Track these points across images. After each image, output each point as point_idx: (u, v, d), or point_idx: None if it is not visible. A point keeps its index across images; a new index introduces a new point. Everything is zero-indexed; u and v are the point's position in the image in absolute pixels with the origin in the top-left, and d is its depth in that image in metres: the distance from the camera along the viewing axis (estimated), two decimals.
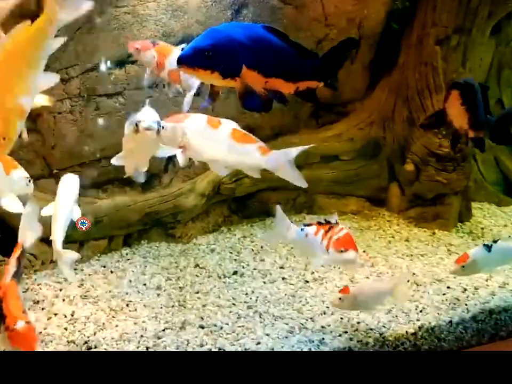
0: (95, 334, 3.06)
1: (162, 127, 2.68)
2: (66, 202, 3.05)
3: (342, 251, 2.84)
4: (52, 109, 3.62)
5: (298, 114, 4.73)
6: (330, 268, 3.98)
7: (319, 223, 3.01)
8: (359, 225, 4.76)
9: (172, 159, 4.22)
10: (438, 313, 3.40)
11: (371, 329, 3.24)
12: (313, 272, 3.93)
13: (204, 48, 2.29)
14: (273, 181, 4.69)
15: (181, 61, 2.29)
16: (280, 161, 2.86)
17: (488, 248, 3.31)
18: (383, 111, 4.90)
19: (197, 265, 3.94)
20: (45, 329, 3.05)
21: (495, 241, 3.37)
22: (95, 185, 3.99)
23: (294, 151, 2.82)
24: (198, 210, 4.32)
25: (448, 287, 3.71)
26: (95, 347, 2.97)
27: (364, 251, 4.33)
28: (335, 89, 2.72)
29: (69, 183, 3.15)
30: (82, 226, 3.07)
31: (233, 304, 3.49)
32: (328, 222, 3.00)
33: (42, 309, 3.26)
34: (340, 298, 3.08)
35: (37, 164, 3.74)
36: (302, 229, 3.05)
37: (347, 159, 4.85)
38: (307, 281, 3.82)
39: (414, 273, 3.90)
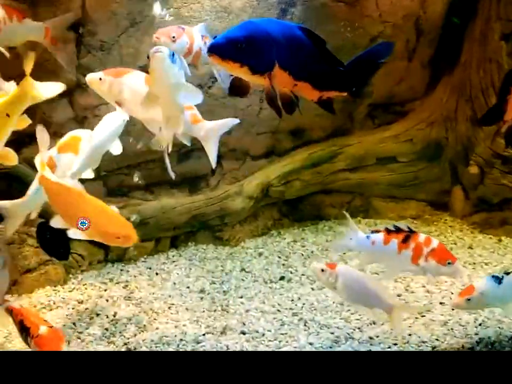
0: (135, 335, 3.05)
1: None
2: (101, 133, 2.97)
3: (449, 263, 2.79)
4: (97, 112, 3.68)
5: (352, 115, 4.61)
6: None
7: (388, 230, 2.88)
8: (419, 231, 4.55)
9: (219, 161, 4.26)
10: (500, 327, 3.20)
11: (423, 341, 3.05)
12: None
13: (236, 39, 2.19)
14: (326, 184, 4.66)
15: (212, 50, 2.20)
16: (209, 133, 2.90)
17: (498, 280, 2.92)
18: (444, 111, 4.67)
19: (243, 269, 3.88)
20: (86, 329, 3.08)
21: (507, 273, 2.96)
22: (142, 187, 4.02)
23: (224, 126, 2.86)
24: (245, 213, 4.27)
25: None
26: (134, 349, 2.96)
27: None
28: (358, 97, 2.61)
29: (111, 120, 3.01)
30: (82, 226, 2.83)
31: (278, 310, 3.39)
32: (398, 230, 2.87)
33: (86, 309, 3.29)
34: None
35: None
36: (367, 236, 2.91)
37: (405, 161, 4.68)
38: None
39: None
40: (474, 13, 4.53)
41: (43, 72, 2.99)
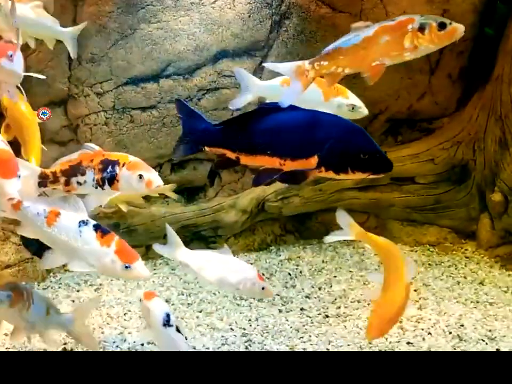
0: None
1: None
2: None
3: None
4: (88, 121, 4.06)
5: (368, 130, 4.51)
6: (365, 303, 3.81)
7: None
8: (429, 259, 4.37)
9: (217, 172, 4.45)
10: None
11: None
12: (339, 307, 3.79)
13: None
14: (330, 202, 4.59)
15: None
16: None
17: None
18: (473, 130, 4.42)
19: None
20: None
21: None
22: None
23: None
24: (239, 227, 4.40)
25: (497, 349, 3.28)
26: (71, 349, 3.25)
27: (416, 290, 4.02)
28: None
29: None
30: (43, 117, 3.30)
31: (231, 329, 3.52)
32: None
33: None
34: None
35: None
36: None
37: (425, 183, 4.52)
38: (327, 316, 3.69)
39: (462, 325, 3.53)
40: (509, 24, 4.25)
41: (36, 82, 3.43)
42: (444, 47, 4.30)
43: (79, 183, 2.76)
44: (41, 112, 3.44)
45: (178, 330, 2.84)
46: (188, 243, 4.35)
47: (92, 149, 2.79)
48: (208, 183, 4.40)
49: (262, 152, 2.55)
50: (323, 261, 4.38)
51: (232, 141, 2.61)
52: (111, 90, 4.03)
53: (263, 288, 2.83)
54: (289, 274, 4.22)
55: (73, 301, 3.76)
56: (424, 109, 4.47)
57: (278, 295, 3.92)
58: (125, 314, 3.65)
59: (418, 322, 3.60)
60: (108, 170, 2.71)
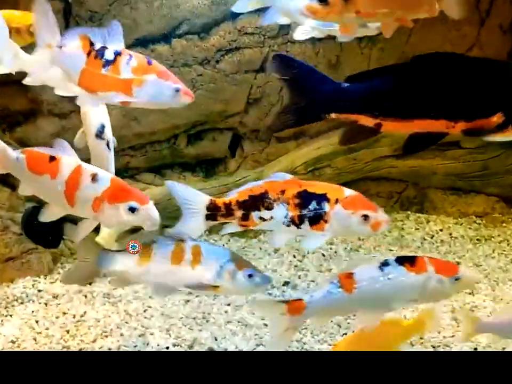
0: (94, 341, 3.02)
1: None
2: None
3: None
4: None
5: None
6: None
7: None
8: (477, 234, 4.03)
9: (240, 143, 4.06)
10: None
11: None
12: None
13: None
14: (365, 172, 4.24)
15: None
16: None
17: None
18: None
19: None
20: (46, 329, 3.11)
21: None
22: (150, 169, 3.97)
23: None
24: None
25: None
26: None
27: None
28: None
29: None
30: (133, 250, 2.99)
31: (264, 325, 3.16)
32: None
33: (58, 305, 3.32)
34: None
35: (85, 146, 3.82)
36: None
37: (471, 148, 4.15)
38: None
39: None
40: None
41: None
42: None
43: (262, 218, 2.27)
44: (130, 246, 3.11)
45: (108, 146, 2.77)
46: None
47: (281, 177, 2.29)
48: (229, 155, 4.02)
49: (421, 116, 2.07)
50: (359, 238, 4.04)
51: (372, 103, 2.10)
52: None
53: None
54: (323, 255, 3.87)
55: (85, 296, 3.43)
56: None
57: (314, 281, 3.63)
58: (144, 311, 3.31)
59: (473, 311, 3.31)
60: (311, 207, 2.22)
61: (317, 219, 2.20)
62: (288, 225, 2.23)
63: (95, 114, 2.87)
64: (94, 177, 2.25)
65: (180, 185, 2.35)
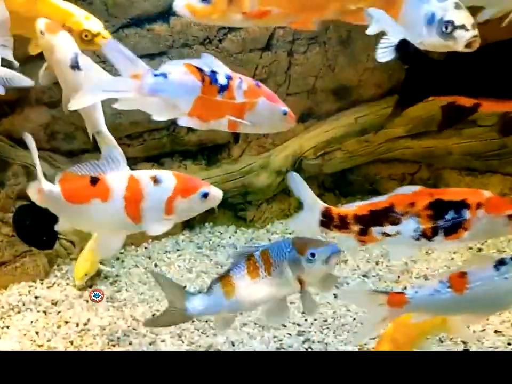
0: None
1: None
2: None
3: None
4: None
5: None
6: None
7: None
8: None
9: None
10: None
11: None
12: (405, 287, 3.29)
13: None
14: (378, 154, 4.01)
15: None
16: None
17: None
18: None
19: None
20: (48, 341, 2.88)
21: None
22: (148, 158, 3.70)
23: None
24: (272, 191, 3.82)
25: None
26: None
27: None
28: None
29: None
30: (95, 298, 2.91)
31: (283, 325, 2.98)
32: None
33: (58, 312, 3.09)
34: None
35: (78, 137, 3.54)
36: None
37: (488, 125, 3.95)
38: None
39: None
40: None
41: None
42: None
43: (386, 234, 2.09)
44: (93, 294, 2.99)
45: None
46: (211, 212, 3.89)
47: (408, 190, 2.10)
48: (233, 140, 3.77)
49: None
50: None
51: (471, 81, 1.99)
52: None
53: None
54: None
55: (87, 301, 3.19)
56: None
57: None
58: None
59: None
60: (448, 216, 2.02)
61: (455, 228, 2.01)
62: (417, 239, 2.05)
63: (63, 43, 2.55)
64: (155, 180, 2.04)
65: (302, 183, 2.23)
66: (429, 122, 3.82)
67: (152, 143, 3.67)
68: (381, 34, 2.25)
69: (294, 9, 1.87)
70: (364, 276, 3.37)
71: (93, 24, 2.59)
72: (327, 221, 2.12)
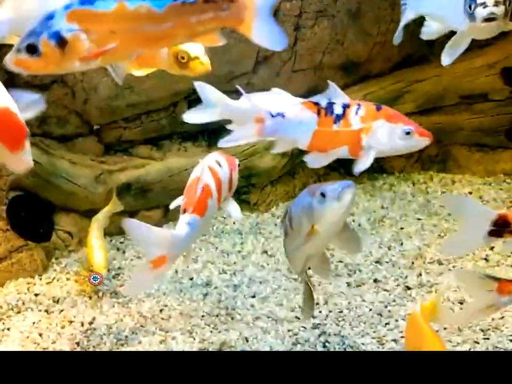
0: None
1: None
2: None
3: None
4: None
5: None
6: None
7: None
8: (509, 195, 3.76)
9: None
10: None
11: None
12: (420, 274, 3.21)
13: None
14: None
15: None
16: None
17: None
18: None
19: (265, 252, 3.37)
20: (53, 343, 2.74)
21: None
22: (146, 141, 3.54)
23: None
24: (277, 173, 3.68)
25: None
26: None
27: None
28: None
29: None
30: (94, 281, 2.92)
31: (296, 317, 2.89)
32: None
33: (61, 311, 2.94)
34: None
35: (71, 121, 3.36)
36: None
37: (501, 99, 3.82)
38: (408, 288, 3.08)
39: None
40: None
41: None
42: None
43: None
44: (92, 277, 2.99)
45: None
46: None
47: None
48: None
49: None
50: (382, 207, 3.73)
51: None
52: None
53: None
54: None
55: (90, 298, 3.04)
56: None
57: (342, 262, 3.31)
58: (161, 311, 2.96)
59: None
60: None
61: None
62: None
63: None
64: None
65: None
66: (439, 98, 3.73)
67: (150, 125, 3.49)
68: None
69: (137, 43, 1.73)
70: (376, 262, 3.28)
71: (193, 46, 2.30)
72: (499, 229, 1.96)
